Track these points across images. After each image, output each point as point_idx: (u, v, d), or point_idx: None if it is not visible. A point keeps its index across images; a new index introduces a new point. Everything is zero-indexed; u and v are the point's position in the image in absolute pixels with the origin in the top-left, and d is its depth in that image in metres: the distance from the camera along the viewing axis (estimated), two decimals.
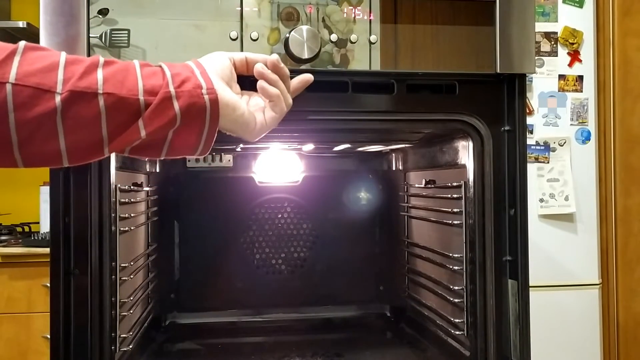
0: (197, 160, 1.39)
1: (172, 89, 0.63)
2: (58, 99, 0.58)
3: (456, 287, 1.05)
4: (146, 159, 0.65)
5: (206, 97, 0.65)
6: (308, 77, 0.80)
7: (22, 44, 0.59)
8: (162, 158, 0.70)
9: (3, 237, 2.40)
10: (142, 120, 0.62)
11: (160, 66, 0.66)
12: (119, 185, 0.95)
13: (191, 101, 0.64)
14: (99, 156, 0.64)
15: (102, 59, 0.62)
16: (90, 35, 0.83)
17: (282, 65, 0.75)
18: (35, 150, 0.60)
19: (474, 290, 0.96)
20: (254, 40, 0.86)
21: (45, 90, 0.57)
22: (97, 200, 0.85)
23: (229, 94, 0.69)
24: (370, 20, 0.88)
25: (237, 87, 0.75)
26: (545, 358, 2.12)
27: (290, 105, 0.77)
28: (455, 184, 1.05)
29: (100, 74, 0.61)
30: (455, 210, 1.05)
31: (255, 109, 0.75)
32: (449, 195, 1.10)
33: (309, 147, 1.31)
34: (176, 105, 0.63)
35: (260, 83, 0.75)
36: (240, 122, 0.71)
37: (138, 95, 0.62)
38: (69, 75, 0.59)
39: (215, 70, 0.69)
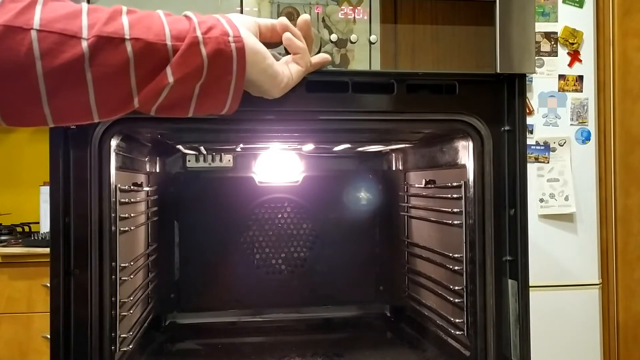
0: (197, 160, 1.39)
1: (199, 34, 0.62)
2: (85, 44, 0.56)
3: (456, 287, 1.05)
4: (173, 116, 0.63)
5: (233, 45, 0.64)
6: (328, 58, 0.81)
7: None
8: (189, 116, 0.68)
9: (3, 237, 2.41)
10: (170, 67, 0.61)
11: (185, 14, 0.65)
12: (119, 185, 0.95)
13: (218, 47, 0.63)
14: (129, 108, 0.62)
15: (124, 7, 0.61)
16: None
17: (310, 26, 0.76)
18: (64, 102, 0.58)
19: (474, 290, 0.96)
20: None
21: (71, 35, 0.56)
22: (97, 200, 0.85)
23: (257, 42, 0.67)
24: (370, 20, 0.88)
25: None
26: (545, 358, 2.12)
27: (309, 65, 0.77)
28: (455, 184, 1.05)
29: (125, 19, 0.59)
30: (455, 210, 1.05)
31: (281, 62, 0.74)
32: (449, 195, 1.10)
33: (309, 147, 1.31)
34: (203, 51, 0.62)
35: (287, 35, 0.74)
36: (270, 72, 0.70)
37: (165, 41, 0.60)
38: (94, 21, 0.58)
39: (241, 22, 0.68)
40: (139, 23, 0.60)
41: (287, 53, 0.79)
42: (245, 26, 0.68)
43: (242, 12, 0.86)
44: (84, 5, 0.59)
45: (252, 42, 0.67)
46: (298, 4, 0.87)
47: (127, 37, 0.58)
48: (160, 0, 0.86)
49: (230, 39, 0.64)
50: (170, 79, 0.61)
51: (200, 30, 0.62)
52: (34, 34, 0.54)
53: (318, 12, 0.86)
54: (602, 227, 2.30)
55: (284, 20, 0.75)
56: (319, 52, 0.86)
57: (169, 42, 0.60)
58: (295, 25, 0.78)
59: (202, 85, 0.64)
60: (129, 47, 0.58)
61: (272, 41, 0.75)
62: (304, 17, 0.76)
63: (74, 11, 0.58)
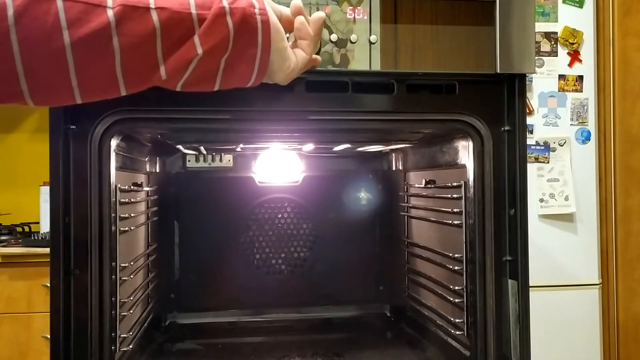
0: (197, 160, 1.39)
1: (226, 4, 0.61)
2: (110, 13, 0.56)
3: (456, 287, 1.05)
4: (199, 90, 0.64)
5: (259, 17, 0.64)
6: (319, 59, 0.80)
7: None
8: (215, 90, 0.67)
9: (3, 237, 2.40)
10: (197, 37, 0.60)
11: None
12: (119, 185, 0.95)
13: (244, 19, 0.62)
14: (155, 80, 0.62)
15: None
16: None
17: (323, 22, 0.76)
18: (92, 73, 0.58)
19: (474, 290, 0.96)
20: None
21: (96, 4, 0.56)
22: (97, 200, 0.84)
23: (276, 19, 0.67)
24: (370, 20, 0.88)
25: None
26: (545, 358, 2.12)
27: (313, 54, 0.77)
28: (455, 184, 1.05)
29: None
30: (455, 210, 1.05)
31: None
32: (449, 195, 1.10)
33: (309, 147, 1.31)
34: (230, 22, 0.61)
35: (301, 18, 0.73)
36: (284, 54, 0.70)
37: (190, 9, 0.60)
38: None
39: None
40: None
41: None
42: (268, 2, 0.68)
43: None
44: None
45: (275, 18, 0.67)
46: None
47: (152, 6, 0.58)
48: None
49: (257, 10, 0.64)
50: (199, 50, 0.60)
51: (226, 0, 0.62)
52: (59, 3, 0.54)
53: (328, 13, 0.87)
54: (602, 227, 2.30)
55: (299, 3, 0.74)
56: (318, 52, 0.86)
57: (193, 11, 0.60)
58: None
59: (228, 58, 0.63)
60: (154, 15, 0.58)
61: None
62: (319, 13, 0.76)
63: None
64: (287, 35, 0.74)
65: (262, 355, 1.21)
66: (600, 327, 2.26)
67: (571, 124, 2.25)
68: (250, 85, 0.70)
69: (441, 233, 1.19)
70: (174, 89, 0.65)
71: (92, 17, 0.56)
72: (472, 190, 0.95)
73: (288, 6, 0.74)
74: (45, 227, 2.39)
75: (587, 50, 2.26)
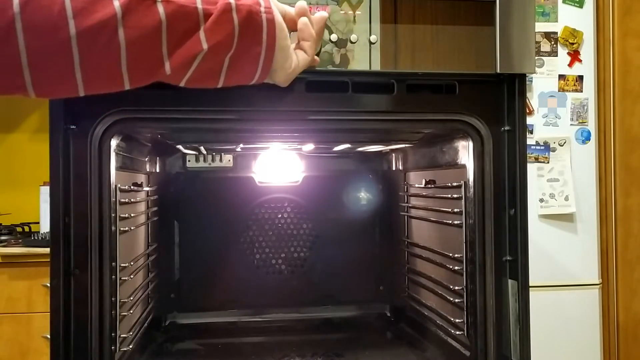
0: (197, 160, 1.39)
1: (232, 0, 0.61)
2: (117, 3, 0.55)
3: (456, 287, 1.05)
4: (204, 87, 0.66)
5: (264, 15, 0.64)
6: (324, 15, 0.78)
7: None
8: (219, 86, 0.67)
9: (3, 237, 2.40)
10: (203, 32, 0.60)
11: None
12: (119, 185, 0.95)
13: (250, 16, 0.62)
14: (160, 75, 0.61)
15: None
16: None
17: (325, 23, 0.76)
18: (97, 65, 0.57)
19: (474, 290, 0.96)
20: None
21: None
22: (97, 200, 0.84)
23: (280, 19, 0.67)
24: (369, 20, 0.88)
25: None
26: (545, 358, 2.12)
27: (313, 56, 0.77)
28: (455, 184, 1.05)
29: None
30: (455, 210, 1.05)
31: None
32: (449, 195, 1.10)
33: (309, 147, 1.31)
34: (235, 18, 0.61)
35: (305, 19, 0.73)
36: (286, 53, 0.69)
37: (196, 4, 0.59)
38: None
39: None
40: None
41: None
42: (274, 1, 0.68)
43: None
44: None
45: (280, 17, 0.66)
46: None
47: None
48: None
49: (262, 9, 0.64)
50: (205, 45, 0.60)
51: None
52: None
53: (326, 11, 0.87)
54: (602, 227, 2.30)
55: (303, 4, 0.74)
56: (318, 52, 0.86)
57: (199, 6, 0.60)
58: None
59: (232, 56, 0.63)
60: (160, 8, 0.57)
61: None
62: (322, 13, 0.76)
63: None
64: (290, 34, 0.74)
65: (262, 355, 1.21)
66: (600, 327, 2.26)
67: (571, 124, 2.25)
68: (253, 83, 0.70)
69: (441, 233, 1.19)
70: (178, 84, 0.64)
71: (99, 8, 0.55)
72: (472, 190, 0.95)
73: (292, 5, 0.74)
74: (45, 227, 2.39)
75: (587, 50, 2.26)
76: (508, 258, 0.93)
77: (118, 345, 0.93)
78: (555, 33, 2.24)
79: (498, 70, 0.90)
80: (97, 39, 0.56)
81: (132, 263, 1.06)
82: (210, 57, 0.62)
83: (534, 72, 0.97)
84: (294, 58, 0.73)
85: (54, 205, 0.83)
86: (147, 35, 0.58)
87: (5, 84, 0.56)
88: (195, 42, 0.60)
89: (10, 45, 0.53)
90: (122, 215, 0.97)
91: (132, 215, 1.07)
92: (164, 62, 0.60)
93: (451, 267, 1.08)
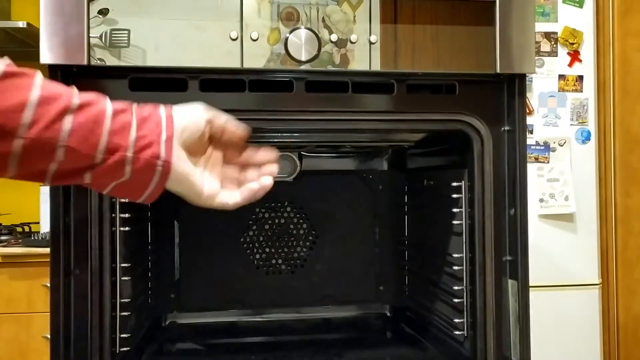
0: None
1: (130, 154, 0.61)
2: (19, 142, 0.56)
3: (456, 287, 1.05)
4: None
5: (159, 168, 0.64)
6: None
7: (1, 65, 0.55)
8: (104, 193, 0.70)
9: (3, 237, 2.40)
10: (90, 172, 0.61)
11: (132, 116, 0.63)
12: None
13: (144, 168, 0.63)
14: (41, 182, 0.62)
15: (77, 100, 0.59)
16: (90, 35, 0.83)
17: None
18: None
19: (474, 291, 0.96)
20: (254, 40, 0.86)
21: (7, 132, 0.55)
22: (97, 200, 0.85)
23: (183, 165, 0.67)
24: (369, 20, 0.88)
25: (205, 149, 0.71)
26: (546, 358, 2.12)
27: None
28: (455, 184, 1.05)
29: (69, 122, 0.58)
30: (455, 210, 1.05)
31: (213, 178, 0.72)
32: (449, 195, 1.10)
33: (309, 147, 1.31)
34: (128, 169, 0.62)
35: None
36: (187, 186, 0.70)
37: (97, 153, 0.60)
38: (37, 118, 0.56)
39: (184, 135, 0.66)
40: (81, 128, 0.58)
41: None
42: (187, 137, 0.66)
43: (242, 12, 0.86)
44: (36, 91, 0.56)
45: (178, 166, 0.66)
46: (298, 4, 0.87)
47: (62, 143, 0.58)
48: (161, 1, 0.86)
49: (160, 162, 0.64)
50: (87, 181, 0.62)
51: (134, 149, 0.62)
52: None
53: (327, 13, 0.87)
54: (602, 227, 2.30)
55: (231, 126, 0.71)
56: (318, 52, 0.86)
57: (100, 155, 0.60)
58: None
59: (118, 184, 0.64)
60: (60, 152, 0.58)
61: (220, 138, 0.71)
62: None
63: (21, 101, 0.55)
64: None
65: (262, 355, 1.21)
66: (600, 327, 2.26)
67: (571, 124, 2.25)
68: (143, 202, 0.69)
69: (441, 233, 1.19)
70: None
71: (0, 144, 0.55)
72: (472, 190, 0.95)
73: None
74: (45, 227, 2.39)
75: (587, 50, 2.26)
76: (508, 258, 0.93)
77: (118, 345, 0.93)
78: (555, 33, 2.24)
79: (498, 70, 0.90)
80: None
81: (132, 263, 1.06)
82: (94, 182, 0.63)
83: (534, 72, 0.97)
84: (202, 187, 0.71)
85: (54, 205, 0.83)
86: (39, 166, 0.59)
87: None
88: (78, 177, 0.62)
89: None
90: (122, 216, 0.97)
91: (132, 215, 1.07)
92: (45, 180, 0.61)
93: (451, 267, 1.08)
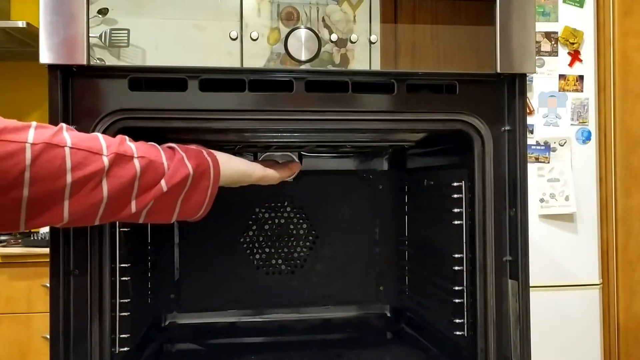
0: None
1: (190, 169, 0.80)
2: (106, 159, 0.70)
3: (456, 287, 1.05)
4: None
5: (209, 158, 0.84)
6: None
7: (63, 125, 0.71)
8: (172, 221, 0.83)
9: (3, 237, 2.40)
10: (164, 180, 0.76)
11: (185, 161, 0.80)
12: None
13: (200, 162, 0.81)
14: (125, 215, 0.75)
15: (127, 137, 0.78)
16: (90, 35, 0.83)
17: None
18: (80, 207, 0.70)
19: (474, 291, 0.96)
20: (254, 40, 0.86)
21: (95, 152, 0.70)
22: None
23: (230, 161, 0.89)
24: (369, 20, 0.88)
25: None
26: (546, 358, 2.12)
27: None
28: (455, 184, 1.05)
29: (132, 144, 0.76)
30: (455, 210, 1.05)
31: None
32: (449, 195, 1.10)
33: (309, 147, 1.31)
34: (189, 164, 0.79)
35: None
36: (242, 169, 0.92)
37: (162, 159, 0.77)
38: (109, 143, 0.73)
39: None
40: (141, 147, 0.76)
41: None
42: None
43: (242, 12, 0.86)
44: (99, 134, 0.76)
45: (225, 160, 0.86)
46: (298, 4, 0.87)
47: (135, 155, 0.74)
48: (161, 1, 0.86)
49: (211, 172, 0.83)
50: (165, 188, 0.76)
51: (191, 164, 0.80)
52: (67, 150, 0.68)
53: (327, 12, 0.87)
54: (602, 227, 2.30)
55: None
56: (318, 52, 0.86)
57: (165, 162, 0.77)
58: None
59: (185, 192, 0.80)
60: (137, 163, 0.74)
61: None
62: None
63: (92, 136, 0.73)
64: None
65: (262, 355, 1.21)
66: (601, 327, 2.26)
67: (571, 124, 2.25)
68: (200, 215, 0.87)
69: (441, 233, 1.19)
70: (137, 221, 0.79)
71: (91, 162, 0.69)
72: (472, 190, 0.95)
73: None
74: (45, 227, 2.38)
75: (588, 50, 2.26)
76: (508, 258, 0.93)
77: (118, 345, 0.93)
78: (556, 33, 2.24)
79: (498, 70, 0.90)
80: (85, 184, 0.69)
81: (132, 263, 1.06)
82: (168, 196, 0.77)
83: (534, 72, 0.97)
84: (256, 172, 0.94)
85: None
86: (125, 181, 0.72)
87: (1, 220, 0.67)
88: (158, 188, 0.76)
89: (17, 192, 0.64)
90: None
91: None
92: (131, 204, 0.74)
93: (451, 267, 1.08)
